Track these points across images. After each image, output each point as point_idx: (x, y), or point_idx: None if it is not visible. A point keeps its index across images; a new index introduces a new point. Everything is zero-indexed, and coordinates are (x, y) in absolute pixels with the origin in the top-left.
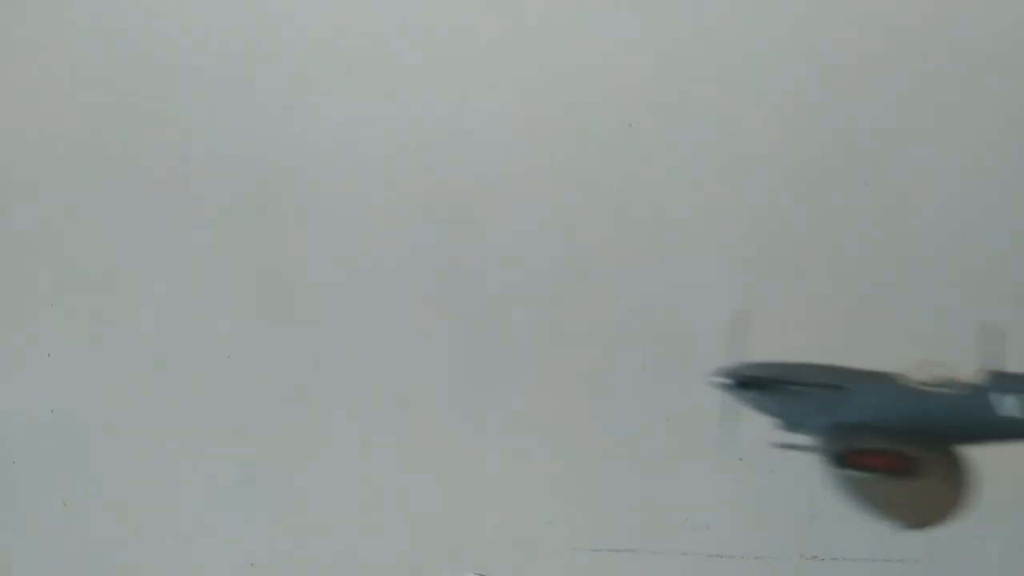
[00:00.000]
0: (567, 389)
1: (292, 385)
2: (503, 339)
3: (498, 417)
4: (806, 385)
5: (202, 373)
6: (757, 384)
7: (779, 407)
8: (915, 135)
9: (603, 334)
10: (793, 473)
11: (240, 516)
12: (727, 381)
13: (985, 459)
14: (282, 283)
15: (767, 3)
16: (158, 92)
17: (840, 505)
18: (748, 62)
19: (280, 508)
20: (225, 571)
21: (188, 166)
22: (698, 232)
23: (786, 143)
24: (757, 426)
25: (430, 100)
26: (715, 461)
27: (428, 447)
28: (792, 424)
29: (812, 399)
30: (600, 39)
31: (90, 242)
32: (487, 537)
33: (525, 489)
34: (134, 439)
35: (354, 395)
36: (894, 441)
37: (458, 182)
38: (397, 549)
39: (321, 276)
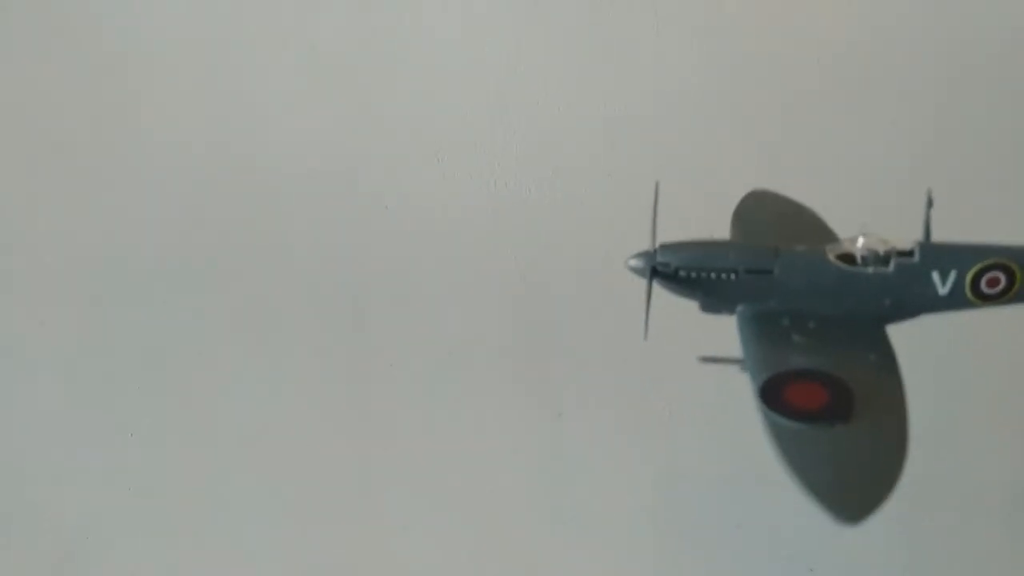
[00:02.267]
0: (641, 487)
1: (368, 475)
2: (584, 430)
3: (573, 510)
4: (728, 271)
5: (285, 457)
6: (674, 273)
7: (700, 294)
8: None
9: (678, 438)
10: None
11: None
12: (642, 266)
13: None
14: (365, 375)
15: None
16: (256, 187)
17: None
18: None
19: None
20: None
21: (280, 253)
22: None
23: None
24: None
25: (522, 201)
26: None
27: (501, 545)
28: (712, 307)
29: (734, 285)
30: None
31: (179, 326)
32: None
33: None
34: (209, 519)
35: (428, 489)
36: (822, 348)
37: (544, 287)
38: None
39: (402, 369)
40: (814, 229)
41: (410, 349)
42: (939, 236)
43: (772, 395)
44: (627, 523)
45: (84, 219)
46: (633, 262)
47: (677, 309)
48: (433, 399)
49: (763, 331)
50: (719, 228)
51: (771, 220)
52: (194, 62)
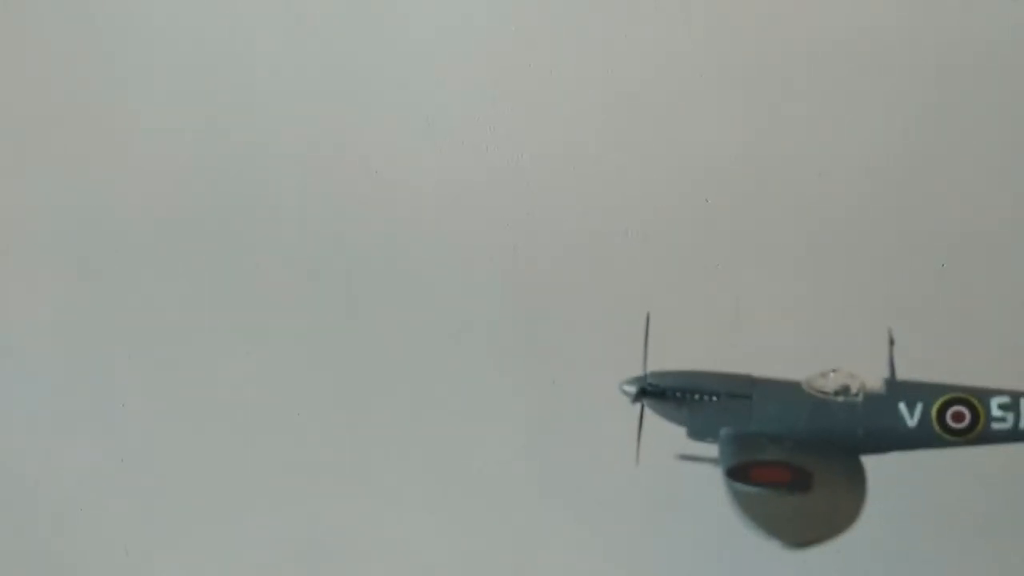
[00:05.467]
0: (641, 466)
1: (360, 444)
2: (569, 399)
3: (566, 477)
4: (710, 394)
5: (272, 429)
6: (662, 393)
7: (685, 415)
8: None
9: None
10: None
11: (302, 570)
12: (632, 390)
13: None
14: (356, 345)
15: None
16: (247, 161)
17: None
18: None
19: (343, 564)
20: None
21: (269, 220)
22: None
23: None
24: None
25: (513, 168)
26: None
27: (495, 513)
28: (697, 432)
29: (716, 407)
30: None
31: (169, 297)
32: None
33: (586, 554)
34: (200, 490)
35: (423, 458)
36: (795, 453)
37: (537, 257)
38: None
39: (395, 339)
40: None
41: (402, 319)
42: None
43: (738, 474)
44: (619, 492)
45: (74, 192)
46: (626, 387)
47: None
48: (427, 368)
49: (740, 441)
50: (709, 201)
51: None
52: (181, 33)
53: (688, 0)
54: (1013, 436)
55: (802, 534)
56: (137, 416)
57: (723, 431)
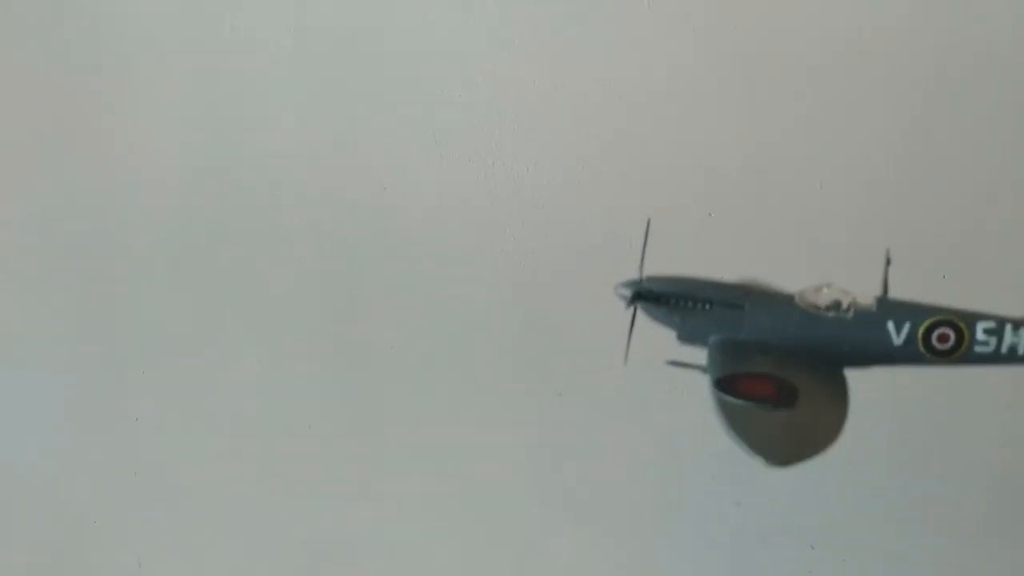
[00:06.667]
0: (641, 465)
1: (369, 455)
2: (576, 411)
3: (567, 491)
4: (704, 301)
5: (283, 440)
6: (655, 297)
7: (676, 320)
8: None
9: (677, 415)
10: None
11: None
12: (627, 293)
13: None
14: (364, 357)
15: None
16: (255, 176)
17: None
18: None
19: (353, 572)
20: None
21: (278, 235)
22: None
23: None
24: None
25: (519, 183)
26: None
27: (499, 522)
28: (687, 337)
29: (709, 315)
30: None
31: (181, 312)
32: None
33: (591, 563)
34: (212, 502)
35: (428, 465)
36: (781, 365)
37: (543, 270)
38: None
39: (402, 351)
40: None
41: (410, 330)
42: None
43: (725, 385)
44: (626, 501)
45: (84, 205)
46: (622, 289)
47: None
48: (434, 381)
49: (729, 349)
50: (711, 203)
51: None
52: (188, 46)
53: (691, 16)
54: (994, 359)
55: (785, 454)
56: (150, 429)
57: (712, 338)
